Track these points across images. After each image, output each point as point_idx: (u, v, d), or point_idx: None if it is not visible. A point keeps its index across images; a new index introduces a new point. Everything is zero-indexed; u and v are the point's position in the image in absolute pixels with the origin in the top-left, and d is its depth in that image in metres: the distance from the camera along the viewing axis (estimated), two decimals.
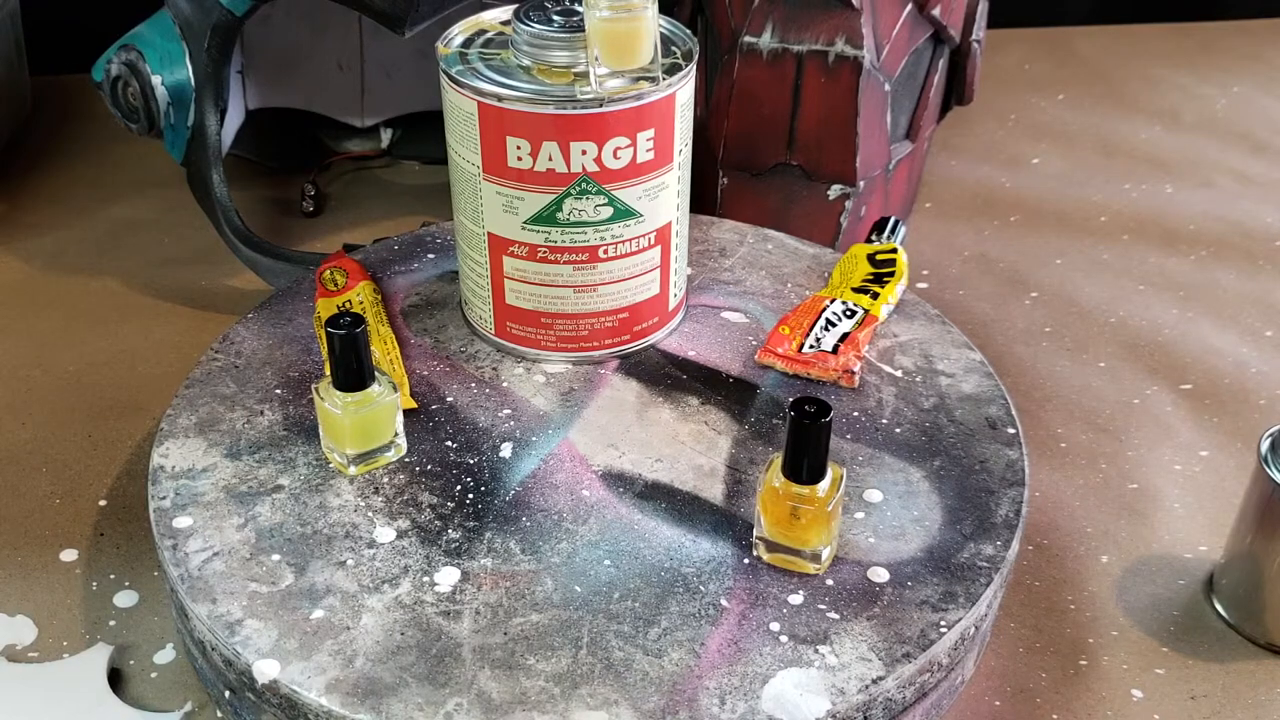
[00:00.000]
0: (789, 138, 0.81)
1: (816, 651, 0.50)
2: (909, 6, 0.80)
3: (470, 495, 0.58)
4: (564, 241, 0.62)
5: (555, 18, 0.61)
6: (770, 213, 0.84)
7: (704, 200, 0.86)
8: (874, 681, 0.49)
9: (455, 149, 0.63)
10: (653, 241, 0.64)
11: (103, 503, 0.68)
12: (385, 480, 0.58)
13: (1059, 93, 1.16)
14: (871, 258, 0.72)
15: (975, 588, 0.53)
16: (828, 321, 0.67)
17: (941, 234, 0.93)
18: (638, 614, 0.52)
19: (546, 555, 0.54)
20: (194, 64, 0.80)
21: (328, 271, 0.71)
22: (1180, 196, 0.99)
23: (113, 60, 0.82)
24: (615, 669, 0.49)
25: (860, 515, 0.57)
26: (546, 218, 0.61)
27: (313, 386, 0.59)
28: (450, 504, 0.57)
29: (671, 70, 0.60)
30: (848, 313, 0.68)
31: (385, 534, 0.55)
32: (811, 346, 0.65)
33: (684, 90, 0.61)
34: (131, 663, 0.59)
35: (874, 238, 0.75)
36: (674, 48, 0.62)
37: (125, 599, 0.62)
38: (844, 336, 0.66)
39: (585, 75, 0.59)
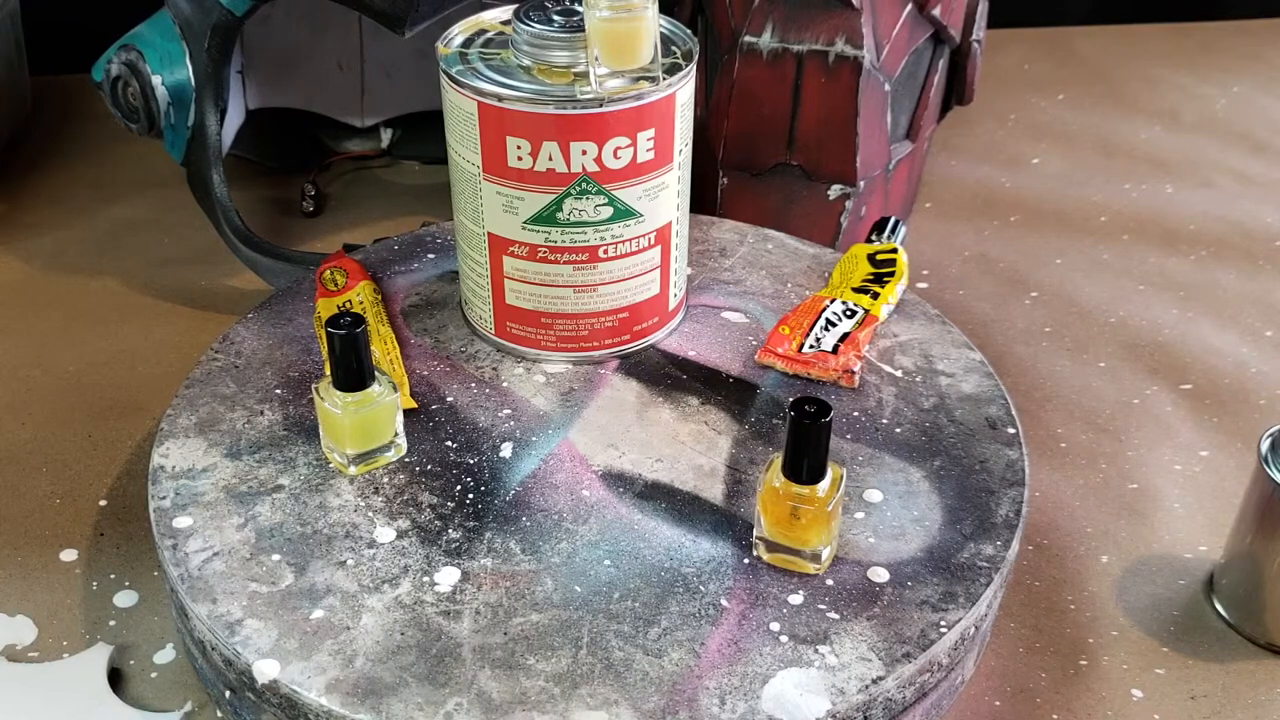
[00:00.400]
0: (789, 138, 0.81)
1: (816, 651, 0.50)
2: (909, 6, 0.80)
3: (470, 495, 0.58)
4: (564, 241, 0.62)
5: (555, 18, 0.61)
6: (770, 213, 0.84)
7: (704, 200, 0.86)
8: (874, 681, 0.49)
9: (455, 149, 0.63)
10: (653, 241, 0.64)
11: (103, 503, 0.68)
12: (385, 480, 0.58)
13: (1059, 93, 1.16)
14: (871, 258, 0.72)
15: (975, 588, 0.53)
16: (828, 321, 0.67)
17: (941, 234, 0.93)
18: (638, 614, 0.52)
19: (546, 555, 0.54)
20: (194, 64, 0.80)
21: (328, 271, 0.71)
22: (1180, 196, 0.99)
23: (113, 60, 0.82)
24: (615, 669, 0.49)
25: (860, 515, 0.57)
26: (546, 218, 0.61)
27: (313, 386, 0.59)
28: (450, 504, 0.57)
29: (671, 70, 0.60)
30: (848, 313, 0.68)
31: (385, 534, 0.55)
32: (811, 346, 0.65)
33: (684, 90, 0.61)
34: (131, 663, 0.59)
35: (874, 238, 0.75)
36: (674, 48, 0.62)
37: (125, 599, 0.62)
38: (844, 336, 0.66)
39: (585, 75, 0.59)
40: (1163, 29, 1.29)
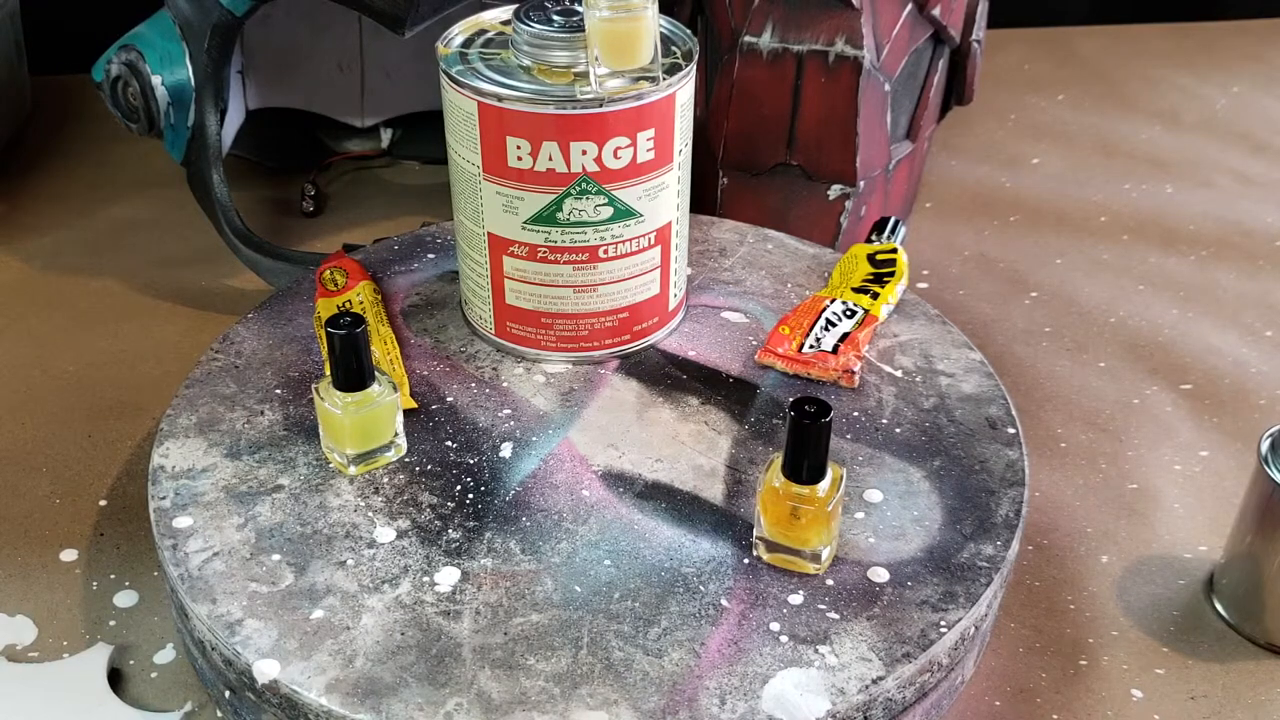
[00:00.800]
0: (789, 138, 0.81)
1: (816, 651, 0.50)
2: (909, 6, 0.80)
3: (470, 495, 0.58)
4: (564, 241, 0.62)
5: (555, 18, 0.61)
6: (770, 213, 0.84)
7: (704, 200, 0.86)
8: (874, 681, 0.49)
9: (455, 149, 0.63)
10: (653, 241, 0.64)
11: (103, 503, 0.68)
12: (385, 480, 0.58)
13: (1059, 93, 1.16)
14: (871, 258, 0.72)
15: (975, 588, 0.53)
16: (828, 321, 0.67)
17: (941, 234, 0.93)
18: (638, 614, 0.52)
19: (546, 555, 0.54)
20: (194, 64, 0.80)
21: (328, 271, 0.71)
22: (1180, 196, 0.99)
23: (113, 60, 0.82)
24: (615, 669, 0.49)
25: (860, 515, 0.57)
26: (546, 218, 0.61)
27: (313, 386, 0.59)
28: (450, 504, 0.57)
29: (671, 70, 0.60)
30: (848, 313, 0.68)
31: (385, 534, 0.55)
32: (811, 346, 0.65)
33: (684, 90, 0.61)
34: (131, 663, 0.59)
35: (874, 238, 0.75)
36: (674, 48, 0.62)
37: (125, 599, 0.62)
38: (844, 336, 0.66)
39: (585, 75, 0.59)
40: (1163, 29, 1.29)
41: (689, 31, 0.63)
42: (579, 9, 0.61)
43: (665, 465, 0.59)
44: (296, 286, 0.72)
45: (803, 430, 0.50)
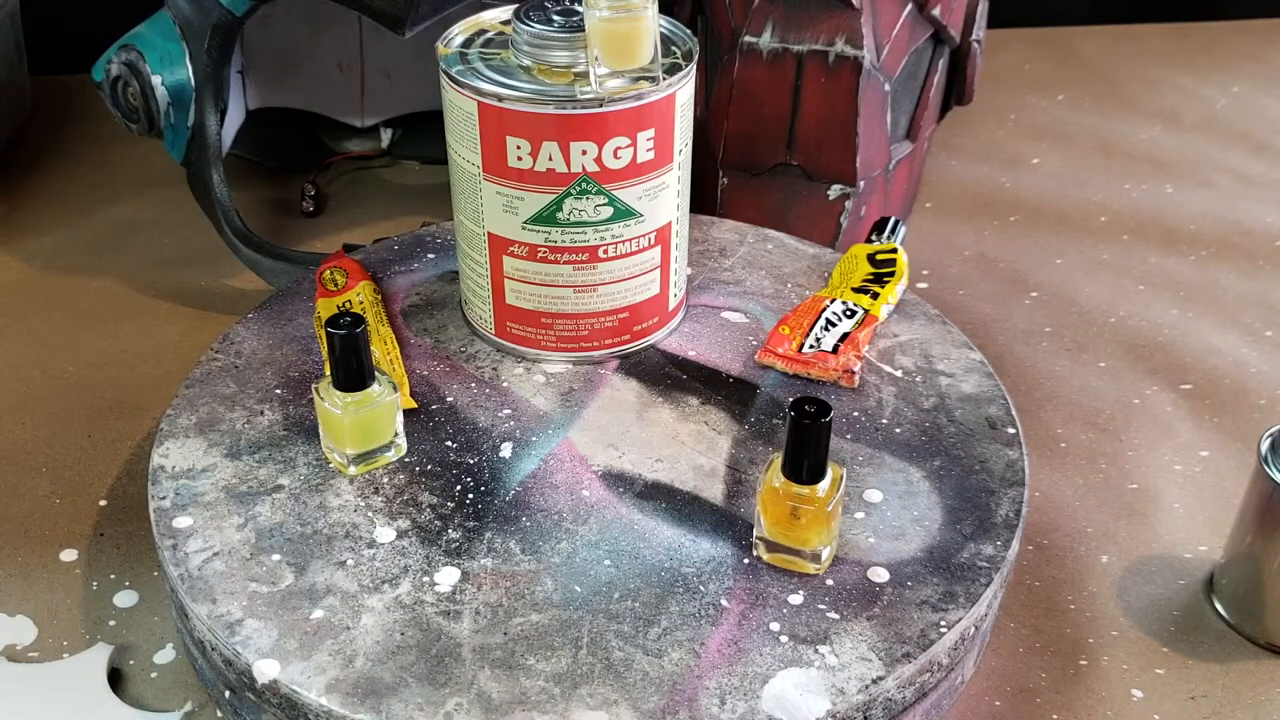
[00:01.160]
0: (789, 138, 0.81)
1: (816, 651, 0.50)
2: (909, 6, 0.80)
3: (470, 495, 0.58)
4: (564, 241, 0.62)
5: (555, 18, 0.61)
6: (770, 213, 0.84)
7: (704, 200, 0.86)
8: (874, 681, 0.49)
9: (455, 149, 0.63)
10: (653, 241, 0.64)
11: (103, 503, 0.68)
12: (385, 480, 0.58)
13: (1059, 93, 1.16)
14: (871, 258, 0.72)
15: (975, 588, 0.53)
16: (828, 321, 0.67)
17: (941, 234, 0.93)
18: (638, 614, 0.52)
19: (546, 555, 0.54)
20: (194, 64, 0.80)
21: (328, 271, 0.71)
22: (1180, 196, 0.99)
23: (113, 60, 0.82)
24: (615, 669, 0.49)
25: (860, 515, 0.57)
26: (546, 218, 0.61)
27: (313, 386, 0.59)
28: (450, 504, 0.57)
29: (671, 70, 0.60)
30: (848, 313, 0.68)
31: (385, 534, 0.55)
32: (811, 346, 0.65)
33: (684, 90, 0.61)
34: (131, 663, 0.59)
35: (874, 238, 0.75)
36: (674, 48, 0.62)
37: (125, 599, 0.62)
38: (844, 336, 0.66)
39: (585, 75, 0.59)
40: (1163, 29, 1.29)
41: (689, 31, 0.63)
42: (579, 9, 0.61)
43: (665, 465, 0.59)
44: (296, 286, 0.72)
45: (803, 430, 0.50)
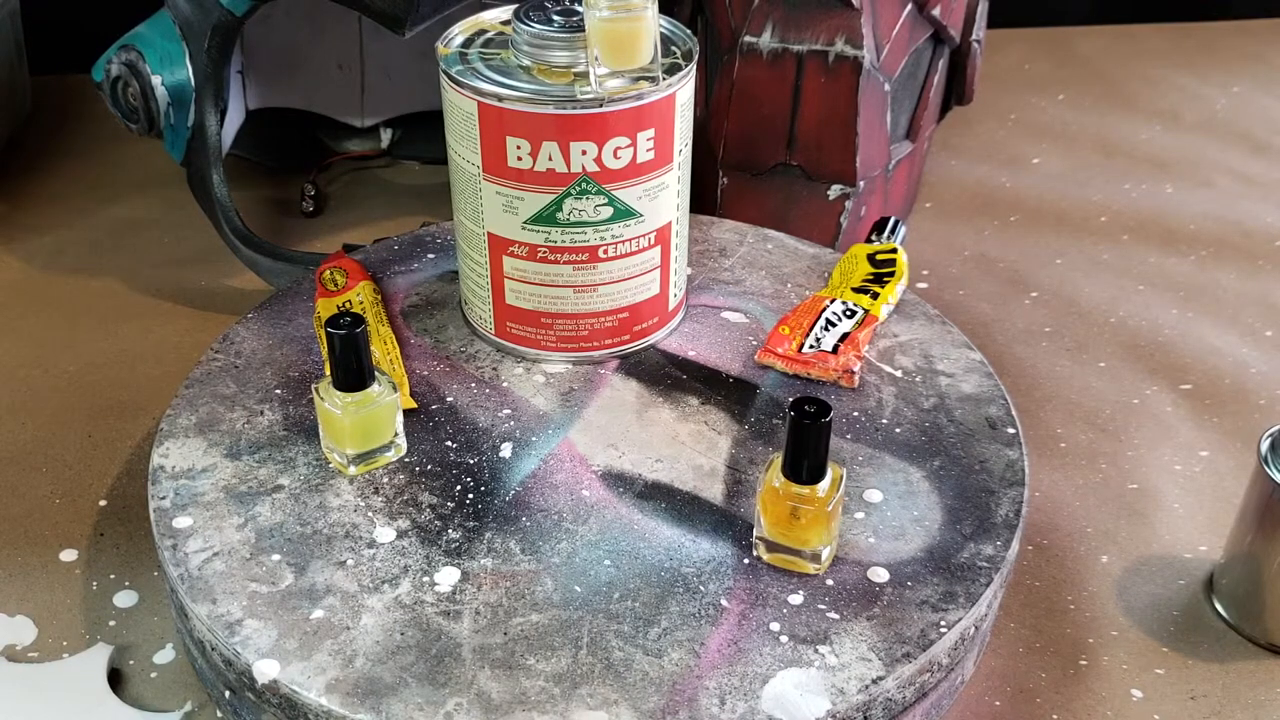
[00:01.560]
0: (789, 138, 0.81)
1: (816, 651, 0.50)
2: (909, 6, 0.80)
3: (470, 495, 0.58)
4: (564, 241, 0.62)
5: (555, 18, 0.61)
6: (770, 213, 0.84)
7: (704, 200, 0.86)
8: (874, 681, 0.49)
9: (455, 149, 0.63)
10: (653, 241, 0.64)
11: (103, 503, 0.68)
12: (385, 480, 0.58)
13: (1059, 93, 1.16)
14: (871, 258, 0.72)
15: (975, 588, 0.53)
16: (828, 321, 0.67)
17: (941, 234, 0.93)
18: (638, 614, 0.52)
19: (546, 555, 0.54)
20: (194, 64, 0.80)
21: (328, 271, 0.71)
22: (1180, 196, 0.99)
23: (113, 60, 0.82)
24: (615, 669, 0.49)
25: (860, 515, 0.57)
26: (546, 218, 0.61)
27: (313, 386, 0.59)
28: (450, 504, 0.57)
29: (671, 70, 0.60)
30: (848, 313, 0.68)
31: (385, 534, 0.55)
32: (811, 346, 0.65)
33: (684, 90, 0.61)
34: (131, 663, 0.59)
35: (874, 238, 0.75)
36: (674, 48, 0.62)
37: (125, 599, 0.62)
38: (844, 336, 0.66)
39: (585, 75, 0.59)
40: (1163, 29, 1.29)
41: (689, 31, 0.63)
42: (579, 9, 0.61)
43: (665, 465, 0.59)
44: (296, 286, 0.72)
45: (803, 430, 0.50)
